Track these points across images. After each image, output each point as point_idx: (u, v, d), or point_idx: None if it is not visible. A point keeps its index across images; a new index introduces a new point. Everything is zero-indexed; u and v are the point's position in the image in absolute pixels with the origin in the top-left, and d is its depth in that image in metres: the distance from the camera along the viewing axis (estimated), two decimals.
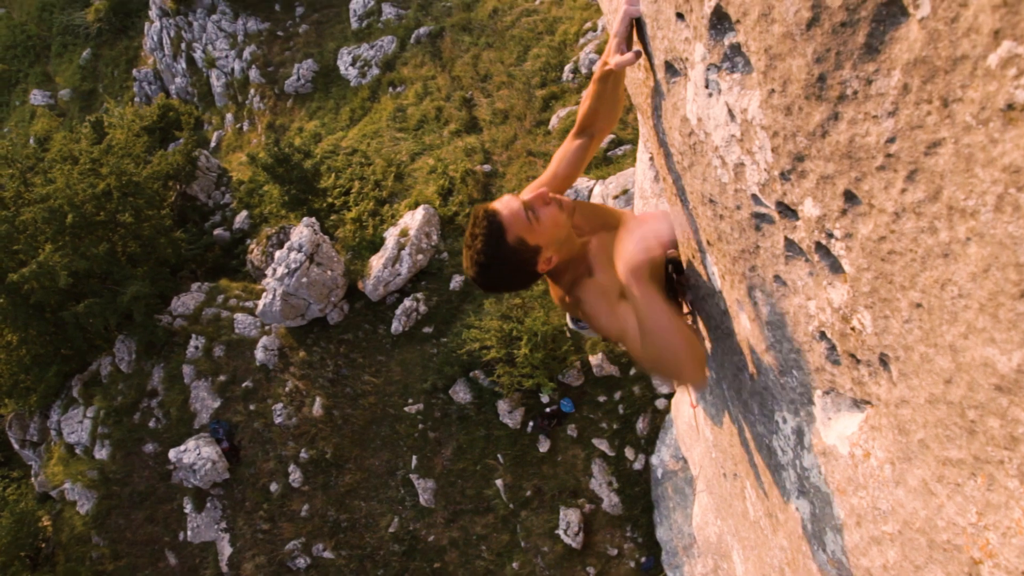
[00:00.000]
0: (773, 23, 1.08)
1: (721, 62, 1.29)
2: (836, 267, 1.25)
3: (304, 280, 12.47)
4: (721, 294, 1.97)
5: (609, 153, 12.54)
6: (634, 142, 12.49)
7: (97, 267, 13.27)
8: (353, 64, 18.36)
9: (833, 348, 1.36)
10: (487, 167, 14.27)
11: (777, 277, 1.49)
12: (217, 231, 16.86)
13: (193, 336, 13.43)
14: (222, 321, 13.70)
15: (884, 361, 1.20)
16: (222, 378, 12.86)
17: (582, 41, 15.11)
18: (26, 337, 13.52)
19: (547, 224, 1.83)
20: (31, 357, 13.70)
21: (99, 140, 17.44)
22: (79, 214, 13.40)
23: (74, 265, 12.72)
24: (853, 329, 1.25)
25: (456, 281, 12.85)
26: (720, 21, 1.25)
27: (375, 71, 17.87)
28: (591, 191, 11.78)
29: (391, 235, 13.27)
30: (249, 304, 13.87)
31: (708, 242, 1.85)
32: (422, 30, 17.77)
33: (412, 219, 13.37)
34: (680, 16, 1.39)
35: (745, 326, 1.83)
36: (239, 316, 13.60)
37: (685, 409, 5.27)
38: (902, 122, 0.93)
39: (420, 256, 13.02)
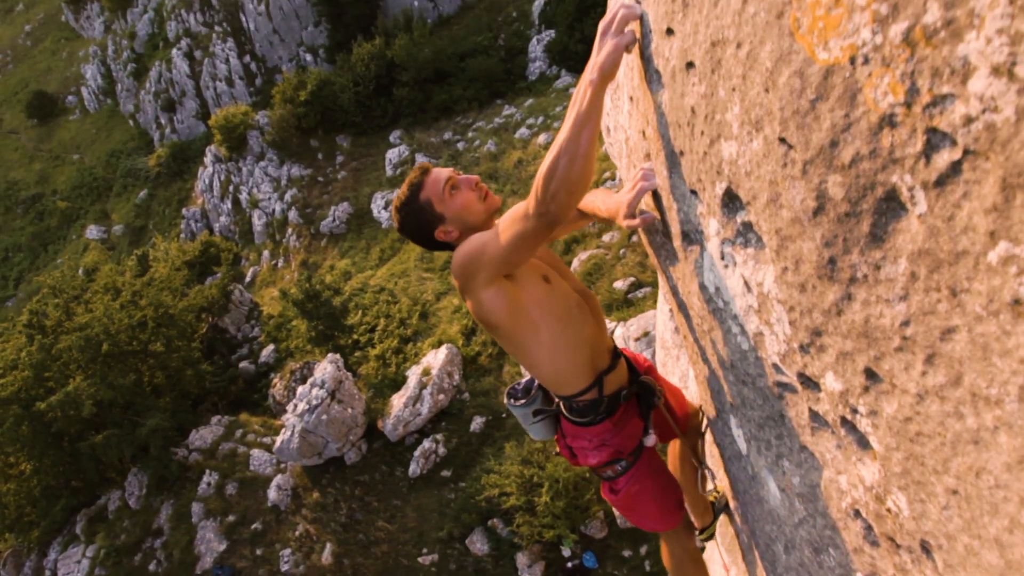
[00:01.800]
0: (781, 208, 1.14)
1: (735, 237, 1.35)
2: (864, 443, 1.21)
3: (324, 417, 12.37)
4: (748, 458, 1.90)
5: (630, 296, 12.74)
6: (654, 284, 12.73)
7: (122, 397, 13.40)
8: (386, 207, 19.52)
9: (870, 528, 1.29)
10: None
11: (804, 448, 1.44)
12: (243, 364, 17.09)
13: (207, 472, 13.15)
14: (238, 457, 13.47)
15: (926, 549, 1.12)
16: (231, 518, 12.39)
17: None
18: (40, 466, 13.37)
19: (457, 203, 1.99)
20: (41, 488, 13.46)
21: (143, 273, 18.36)
22: (114, 343, 13.77)
23: (100, 395, 12.87)
24: (889, 511, 1.18)
25: (477, 423, 12.63)
26: (731, 201, 1.32)
27: None
28: (612, 332, 11.84)
29: (413, 374, 13.30)
30: (267, 440, 13.70)
31: (732, 404, 1.82)
32: None
33: (435, 358, 13.44)
34: (694, 193, 1.48)
35: (775, 495, 1.75)
36: (256, 452, 13.37)
37: (716, 571, 4.88)
38: (914, 307, 0.94)
39: (441, 396, 12.93)
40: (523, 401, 2.35)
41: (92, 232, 29.25)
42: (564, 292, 2.06)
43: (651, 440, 2.33)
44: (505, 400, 2.45)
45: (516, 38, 26.54)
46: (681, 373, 3.88)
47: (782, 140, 1.07)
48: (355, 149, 23.36)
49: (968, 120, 0.77)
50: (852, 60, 0.89)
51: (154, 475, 13.34)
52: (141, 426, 13.20)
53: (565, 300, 2.03)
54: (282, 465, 13.03)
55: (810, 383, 1.31)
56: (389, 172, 20.87)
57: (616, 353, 2.26)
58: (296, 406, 12.89)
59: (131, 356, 14.52)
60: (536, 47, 24.98)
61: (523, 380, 2.48)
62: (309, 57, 29.80)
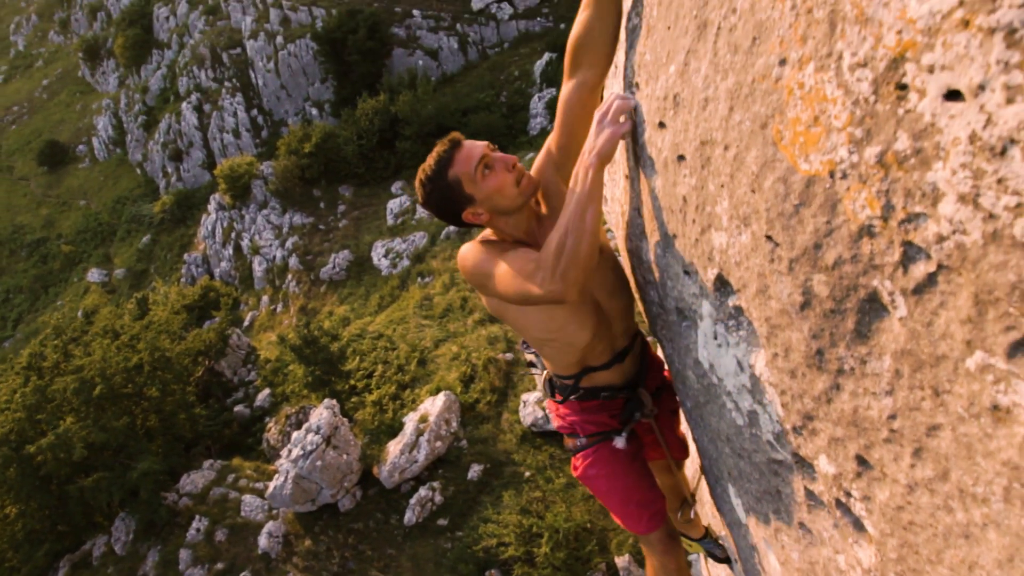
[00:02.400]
0: (770, 299, 1.19)
1: (727, 320, 1.40)
2: (860, 526, 1.23)
3: (319, 463, 12.19)
4: (748, 528, 1.91)
5: None
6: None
7: (114, 440, 13.24)
8: (386, 255, 19.68)
9: None
10: (509, 355, 14.51)
11: (802, 524, 1.46)
12: (238, 408, 16.94)
13: (197, 517, 12.88)
14: (229, 502, 13.22)
15: None
16: (220, 565, 12.08)
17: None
18: (26, 510, 13.09)
19: (489, 185, 1.84)
20: (25, 532, 13.15)
21: (142, 316, 18.38)
22: (108, 386, 13.69)
23: (92, 437, 12.72)
24: None
25: (475, 471, 12.45)
26: (723, 286, 1.38)
27: (406, 262, 19.08)
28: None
29: (410, 420, 13.17)
30: (259, 486, 13.46)
31: (730, 475, 1.84)
32: (452, 228, 19.24)
33: (432, 405, 13.34)
34: (687, 273, 1.53)
35: (775, 567, 1.75)
36: (247, 498, 13.13)
37: None
38: (900, 402, 0.98)
39: (438, 443, 12.77)
40: (534, 351, 2.47)
41: (93, 275, 29.40)
42: (566, 312, 2.01)
43: (620, 443, 2.35)
44: (519, 345, 2.65)
45: (518, 95, 27.29)
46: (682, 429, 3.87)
47: (769, 238, 1.13)
48: (357, 199, 23.73)
49: (940, 238, 0.82)
50: (831, 174, 0.96)
51: (142, 520, 13.05)
52: (132, 469, 12.99)
53: (565, 318, 2.02)
54: (274, 511, 12.77)
55: (804, 463, 1.34)
56: (390, 221, 21.15)
57: (625, 351, 2.21)
58: (290, 451, 12.72)
59: (125, 399, 14.40)
60: (537, 104, 25.66)
61: None
62: (315, 111, 30.58)
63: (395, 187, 24.02)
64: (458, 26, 31.53)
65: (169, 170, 32.58)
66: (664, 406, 2.51)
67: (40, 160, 39.34)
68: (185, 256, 26.23)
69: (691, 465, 3.84)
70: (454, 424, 13.25)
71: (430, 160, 1.87)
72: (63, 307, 27.07)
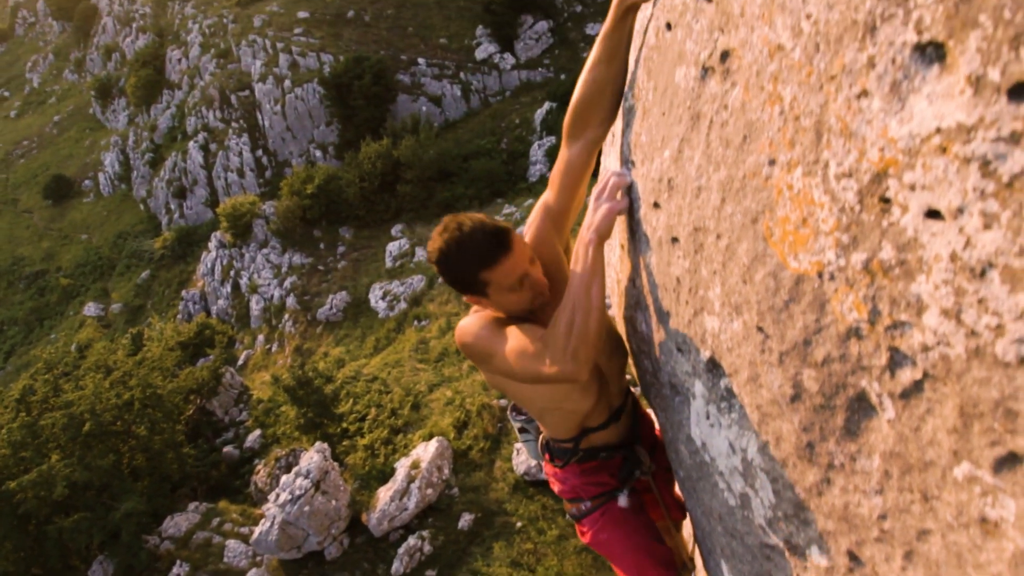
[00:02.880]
0: (761, 387, 1.20)
1: (719, 401, 1.40)
2: None
3: (307, 508, 11.92)
4: None
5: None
6: None
7: (98, 479, 12.95)
8: (383, 298, 19.70)
9: None
10: (503, 401, 14.38)
11: None
12: (227, 448, 16.65)
13: (178, 562, 12.51)
14: (212, 547, 12.85)
15: None
16: None
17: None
18: (0, 551, 12.70)
19: (512, 299, 1.79)
20: None
21: (135, 352, 18.25)
22: (97, 423, 13.47)
23: (75, 476, 12.44)
24: None
25: (465, 520, 12.17)
26: (715, 368, 1.38)
27: (403, 305, 19.08)
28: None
29: (402, 466, 12.95)
30: (244, 530, 13.12)
31: (723, 552, 1.80)
32: None
33: (425, 451, 13.14)
34: (680, 351, 1.54)
35: None
36: (231, 543, 12.78)
37: None
38: (890, 503, 0.98)
39: (430, 490, 12.53)
40: (524, 418, 2.45)
41: (90, 309, 29.32)
42: (572, 383, 1.97)
43: (623, 501, 2.32)
44: (509, 413, 2.55)
45: (518, 142, 27.86)
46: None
47: (760, 329, 1.15)
48: (357, 240, 23.91)
49: (926, 348, 0.84)
50: (820, 274, 0.98)
51: (121, 564, 12.65)
52: (115, 510, 12.66)
53: (570, 388, 2.01)
54: (258, 558, 12.41)
55: (797, 551, 1.32)
56: (389, 264, 21.26)
57: (620, 410, 2.21)
58: (278, 495, 12.44)
59: (113, 436, 14.16)
60: (537, 151, 26.17)
61: None
62: (319, 153, 31.12)
63: (395, 230, 24.23)
64: (461, 74, 32.41)
65: (172, 207, 32.89)
66: (660, 464, 2.49)
67: (45, 194, 39.71)
68: (183, 293, 26.23)
69: (687, 527, 3.77)
70: (446, 471, 13.03)
71: (469, 244, 1.70)
72: (57, 340, 26.89)
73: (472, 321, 1.91)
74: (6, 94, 56.74)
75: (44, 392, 14.95)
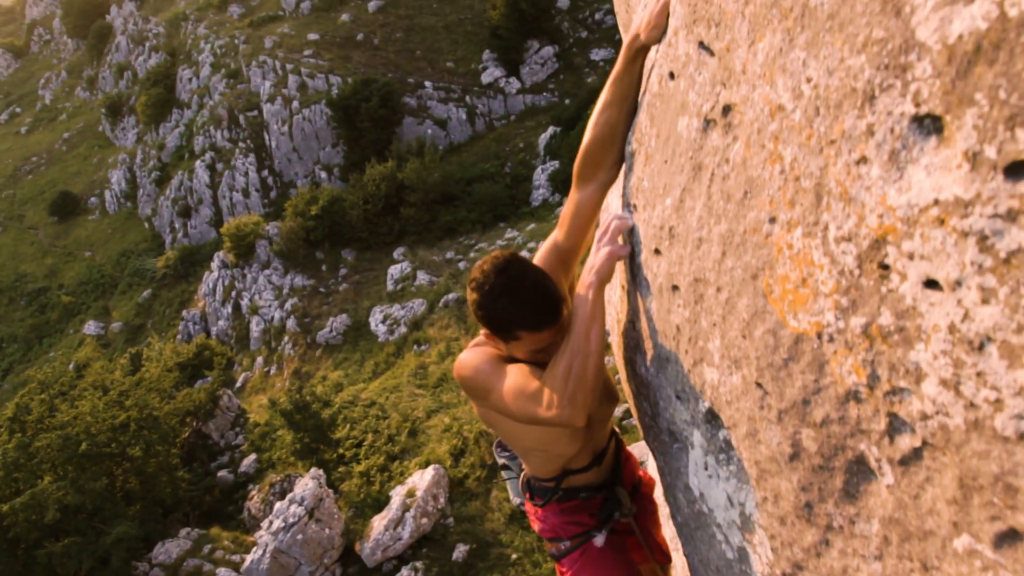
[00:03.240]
0: (760, 443, 1.18)
1: (718, 453, 1.38)
2: None
3: (300, 537, 11.76)
4: None
5: (624, 422, 12.55)
6: None
7: (91, 502, 12.79)
8: (383, 321, 19.67)
9: None
10: None
11: None
12: (221, 473, 16.48)
13: None
14: (202, 575, 12.64)
15: None
16: None
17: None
18: None
19: (521, 351, 1.79)
20: None
21: (134, 372, 18.17)
22: (92, 443, 13.35)
23: (68, 499, 12.29)
24: None
25: (460, 551, 11.98)
26: (714, 419, 1.37)
27: (403, 329, 19.04)
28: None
29: (397, 494, 12.80)
30: (236, 558, 12.91)
31: None
32: (450, 296, 19.33)
33: (421, 479, 13.00)
34: (679, 399, 1.53)
35: None
36: (222, 571, 12.56)
37: None
38: (889, 570, 0.96)
39: (424, 520, 12.36)
40: (508, 455, 2.44)
41: (90, 327, 29.26)
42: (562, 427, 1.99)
43: (599, 540, 2.30)
44: (494, 449, 2.53)
45: (522, 166, 28.11)
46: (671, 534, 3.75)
47: (759, 385, 1.14)
48: (359, 263, 23.96)
49: (925, 416, 0.83)
50: (819, 335, 0.97)
51: None
52: (106, 535, 12.47)
53: (559, 431, 2.00)
54: None
55: None
56: (390, 287, 21.27)
57: (603, 452, 2.23)
58: (272, 523, 12.28)
59: (107, 459, 14.02)
60: (540, 176, 26.38)
61: None
62: (324, 175, 31.39)
63: (397, 252, 24.29)
64: (467, 98, 32.85)
65: (176, 226, 33.06)
66: (641, 505, 2.47)
67: (51, 210, 39.95)
68: (184, 313, 26.21)
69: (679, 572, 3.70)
70: (442, 500, 12.87)
71: (524, 301, 1.69)
72: (55, 359, 26.81)
73: (472, 356, 1.91)
74: (18, 110, 57.48)
75: (40, 412, 14.85)
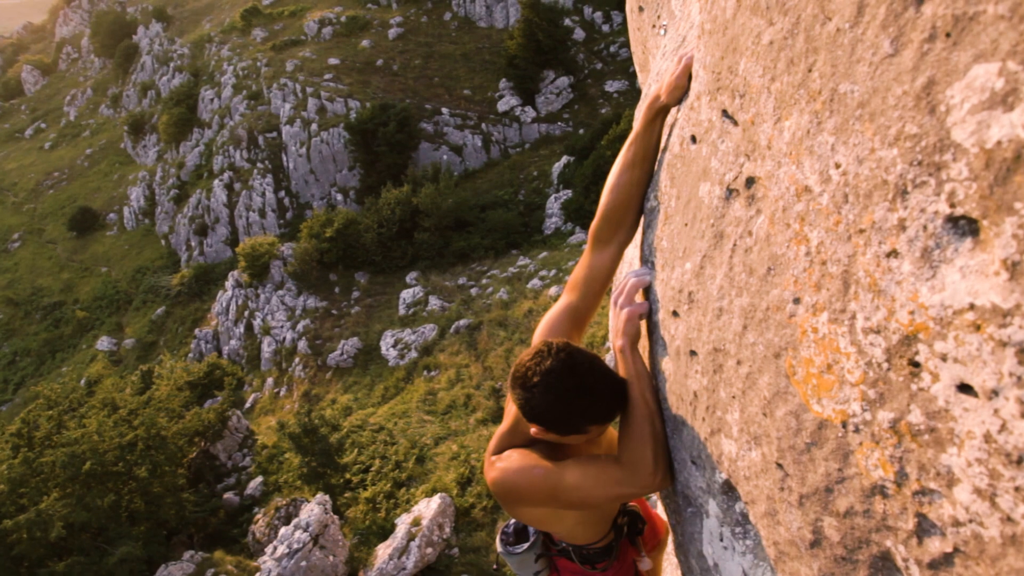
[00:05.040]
0: (779, 525, 1.15)
1: (734, 525, 1.34)
2: None
3: (303, 564, 11.62)
4: None
5: None
6: None
7: (95, 521, 12.73)
8: (394, 346, 19.66)
9: None
10: None
11: None
12: (227, 495, 16.38)
13: None
14: None
15: None
16: None
17: (607, 345, 16.11)
18: None
19: (574, 439, 1.69)
20: None
21: (144, 390, 18.21)
22: (99, 462, 13.33)
23: (73, 517, 12.24)
24: None
25: None
26: (731, 491, 1.34)
27: (414, 354, 19.02)
28: None
29: (403, 522, 12.64)
30: None
31: None
32: (462, 322, 19.31)
33: (427, 507, 12.85)
34: (695, 464, 1.50)
35: None
36: None
37: None
38: None
39: (429, 550, 12.19)
40: (525, 547, 2.14)
41: (103, 343, 29.49)
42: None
43: (646, 565, 2.23)
44: (498, 547, 2.21)
45: (535, 195, 28.29)
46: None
47: (779, 465, 1.11)
48: (372, 286, 24.05)
49: (957, 523, 0.80)
50: (844, 424, 0.95)
51: None
52: (110, 555, 12.39)
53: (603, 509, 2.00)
54: None
55: None
56: (402, 311, 21.30)
57: None
58: (275, 548, 12.15)
59: (114, 477, 13.98)
60: (553, 204, 26.51)
61: (511, 521, 2.27)
62: (340, 197, 31.75)
63: (410, 277, 24.38)
64: (483, 125, 33.26)
65: (193, 244, 33.46)
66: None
67: (70, 225, 40.59)
68: (196, 331, 26.36)
69: None
70: (447, 530, 12.70)
71: (600, 395, 1.58)
72: (66, 374, 26.99)
73: (522, 466, 1.74)
74: (43, 126, 58.80)
75: (47, 428, 14.88)
